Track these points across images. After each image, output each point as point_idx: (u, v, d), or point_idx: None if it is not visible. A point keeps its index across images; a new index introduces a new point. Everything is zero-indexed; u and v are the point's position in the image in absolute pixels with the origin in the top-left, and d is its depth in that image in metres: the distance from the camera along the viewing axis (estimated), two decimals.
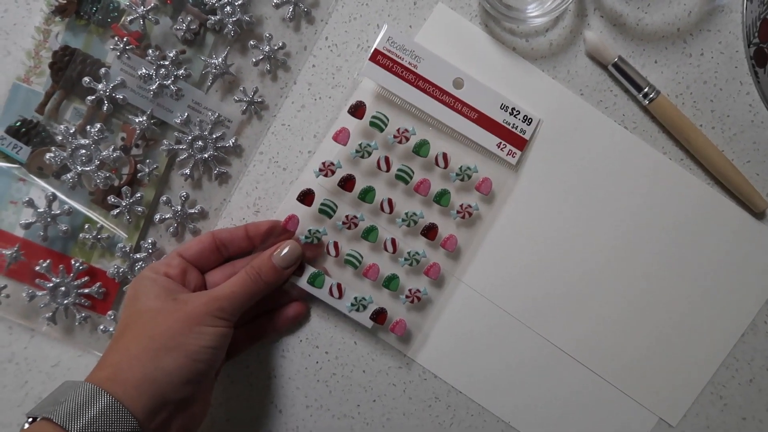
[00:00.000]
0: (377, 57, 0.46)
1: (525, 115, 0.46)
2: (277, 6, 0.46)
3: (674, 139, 0.46)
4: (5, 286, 0.46)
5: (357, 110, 0.45)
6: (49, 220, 0.45)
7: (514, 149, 0.46)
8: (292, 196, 0.46)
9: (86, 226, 0.46)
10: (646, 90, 0.45)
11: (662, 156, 0.47)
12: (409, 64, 0.46)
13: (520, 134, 0.46)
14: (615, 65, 0.46)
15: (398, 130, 0.45)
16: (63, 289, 0.46)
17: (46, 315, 0.46)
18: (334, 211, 0.45)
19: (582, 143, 0.47)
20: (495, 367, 0.47)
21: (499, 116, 0.46)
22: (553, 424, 0.47)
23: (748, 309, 0.47)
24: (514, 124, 0.46)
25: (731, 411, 0.47)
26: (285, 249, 0.43)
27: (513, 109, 0.46)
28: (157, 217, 0.47)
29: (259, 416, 0.48)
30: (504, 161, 0.46)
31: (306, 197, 0.45)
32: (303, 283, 0.45)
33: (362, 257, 0.46)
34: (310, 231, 0.45)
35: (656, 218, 0.47)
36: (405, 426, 0.47)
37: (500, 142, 0.46)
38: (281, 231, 0.46)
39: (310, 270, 0.45)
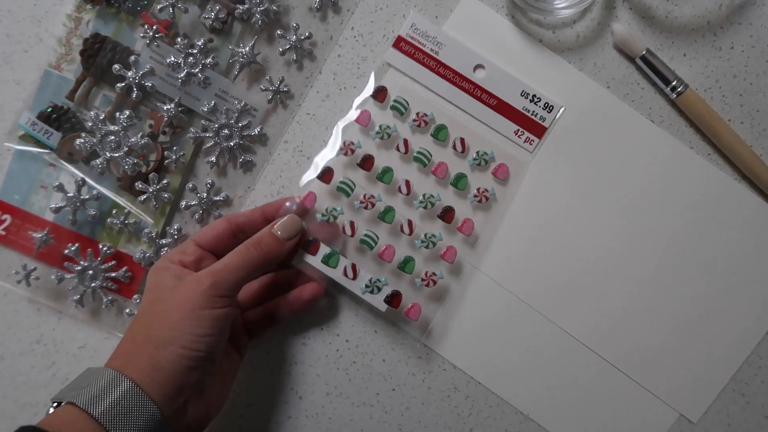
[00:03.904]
0: (400, 44, 0.46)
1: (546, 103, 0.45)
2: None
3: (702, 134, 0.46)
4: (35, 269, 0.47)
5: (379, 94, 0.46)
6: (78, 204, 0.46)
7: (532, 137, 0.46)
8: (312, 174, 0.46)
9: (114, 212, 0.47)
10: (674, 83, 0.45)
11: (689, 150, 0.46)
12: (431, 50, 0.46)
13: (540, 122, 0.46)
14: (643, 58, 0.45)
15: (417, 114, 0.46)
16: (91, 272, 0.47)
17: (74, 297, 0.47)
18: (352, 190, 0.46)
19: (608, 136, 0.46)
20: (514, 359, 0.47)
21: (519, 103, 0.46)
22: (571, 418, 0.47)
23: None
24: (534, 112, 0.46)
25: (753, 409, 0.47)
26: (284, 219, 0.43)
27: (534, 96, 0.45)
28: (183, 203, 0.47)
29: (279, 402, 0.48)
30: (522, 148, 0.46)
31: (325, 175, 0.46)
32: (317, 262, 0.45)
33: (378, 238, 0.46)
34: (326, 209, 0.45)
35: (682, 212, 0.46)
36: (424, 415, 0.48)
37: (518, 129, 0.46)
38: (299, 209, 0.45)
39: (325, 249, 0.45)
